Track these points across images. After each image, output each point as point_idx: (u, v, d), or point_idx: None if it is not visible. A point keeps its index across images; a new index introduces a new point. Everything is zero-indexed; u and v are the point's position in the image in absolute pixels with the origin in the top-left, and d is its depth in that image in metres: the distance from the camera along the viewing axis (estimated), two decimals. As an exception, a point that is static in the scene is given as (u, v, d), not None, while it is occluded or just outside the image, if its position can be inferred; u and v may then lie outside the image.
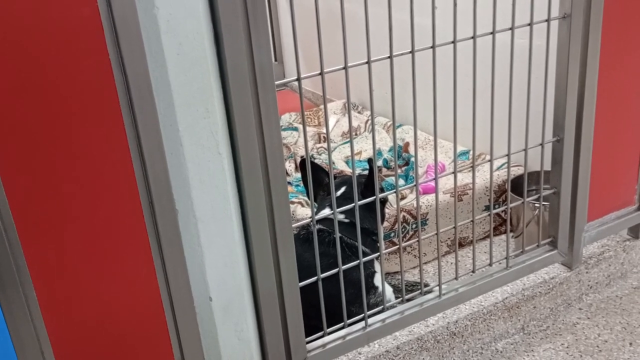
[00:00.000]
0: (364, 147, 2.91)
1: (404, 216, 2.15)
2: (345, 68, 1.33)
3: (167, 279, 1.24)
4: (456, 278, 1.71)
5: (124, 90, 1.09)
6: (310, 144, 2.96)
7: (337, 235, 1.48)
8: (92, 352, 1.22)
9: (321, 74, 1.31)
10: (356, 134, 3.05)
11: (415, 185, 1.59)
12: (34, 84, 1.02)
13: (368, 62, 1.36)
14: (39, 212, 1.10)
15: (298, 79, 1.28)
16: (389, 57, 1.39)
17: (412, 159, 2.60)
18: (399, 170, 2.60)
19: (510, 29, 1.53)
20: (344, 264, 1.49)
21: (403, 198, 2.34)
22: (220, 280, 1.30)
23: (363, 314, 1.57)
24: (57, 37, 1.02)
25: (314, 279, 1.46)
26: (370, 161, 1.93)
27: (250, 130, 1.22)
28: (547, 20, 1.58)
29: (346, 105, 3.32)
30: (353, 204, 1.47)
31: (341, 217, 1.81)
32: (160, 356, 1.29)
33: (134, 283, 1.22)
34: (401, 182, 2.52)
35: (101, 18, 1.04)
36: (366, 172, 2.00)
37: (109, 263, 1.19)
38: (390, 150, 2.75)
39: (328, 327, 1.53)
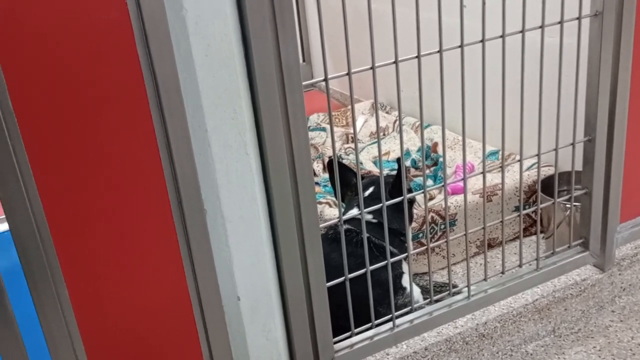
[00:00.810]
0: (392, 148, 2.89)
1: (432, 217, 2.14)
2: (372, 68, 1.33)
3: (196, 278, 1.25)
4: (485, 279, 1.69)
5: (154, 91, 1.10)
6: (337, 145, 2.96)
7: (365, 235, 1.48)
8: (123, 350, 1.24)
9: (349, 74, 1.31)
10: (384, 135, 3.04)
11: (443, 185, 1.57)
12: (65, 86, 1.04)
13: (396, 62, 1.35)
14: (71, 213, 1.12)
15: (325, 79, 1.28)
16: (416, 56, 1.38)
17: (441, 159, 2.58)
18: (427, 171, 2.58)
19: (541, 27, 1.51)
20: (371, 264, 1.49)
21: (431, 198, 2.33)
22: (248, 280, 1.30)
23: (391, 315, 1.56)
24: (87, 40, 1.04)
25: (341, 279, 1.46)
26: (398, 161, 1.92)
27: (278, 130, 1.23)
28: (578, 18, 1.56)
29: (374, 105, 3.32)
30: (381, 204, 1.47)
31: (369, 217, 1.80)
32: (189, 355, 1.31)
33: (163, 282, 1.24)
34: (429, 182, 2.50)
35: (131, 20, 1.05)
36: (394, 173, 1.99)
37: (139, 262, 1.21)
38: (418, 151, 2.73)
39: (355, 328, 1.53)
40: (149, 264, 1.21)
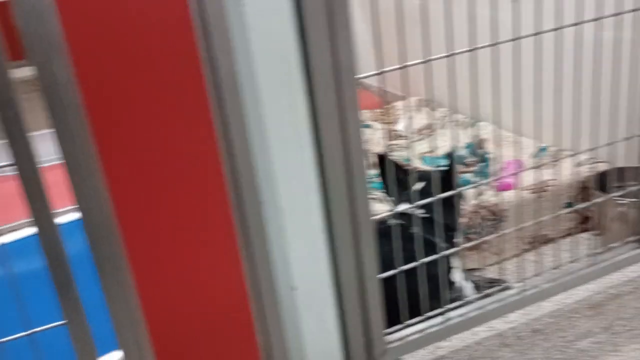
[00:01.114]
0: (438, 145, 2.88)
1: (482, 213, 2.13)
2: (424, 62, 1.34)
3: (252, 268, 1.28)
4: (538, 275, 1.67)
5: (213, 85, 1.13)
6: (384, 142, 2.96)
7: (415, 229, 1.49)
8: (182, 334, 1.28)
9: (398, 68, 1.32)
10: (431, 132, 3.03)
11: (492, 182, 1.57)
12: (132, 80, 1.09)
13: (448, 56, 1.36)
14: (136, 203, 1.16)
15: (377, 74, 1.29)
16: (470, 50, 1.38)
17: (487, 156, 2.56)
18: (475, 167, 2.57)
19: (597, 19, 1.49)
20: (421, 259, 1.50)
21: (481, 195, 2.31)
22: (303, 270, 1.33)
23: (442, 309, 1.56)
24: (151, 36, 1.08)
25: (393, 271, 1.47)
26: (448, 156, 1.92)
27: (333, 123, 1.25)
28: (635, 10, 1.53)
29: (419, 102, 3.31)
30: (431, 199, 1.47)
31: (419, 212, 1.81)
32: (245, 342, 1.34)
33: (220, 271, 1.27)
34: (478, 179, 2.49)
35: (192, 15, 1.09)
36: (443, 169, 1.98)
37: (198, 251, 1.24)
38: (466, 147, 2.72)
39: (402, 322, 1.54)
40: (207, 252, 1.25)
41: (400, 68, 1.30)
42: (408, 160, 2.70)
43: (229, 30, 1.12)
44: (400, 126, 3.27)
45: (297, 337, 1.38)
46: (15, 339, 1.16)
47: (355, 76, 1.25)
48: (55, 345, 1.29)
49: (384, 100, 3.76)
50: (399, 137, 3.09)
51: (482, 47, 1.39)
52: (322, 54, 1.20)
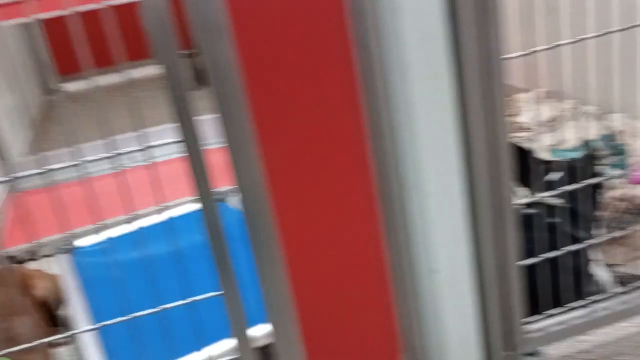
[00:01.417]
0: (567, 137, 2.78)
1: (622, 206, 2.03)
2: (552, 47, 1.29)
3: (394, 249, 1.30)
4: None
5: (363, 67, 1.17)
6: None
7: (553, 219, 1.45)
8: (325, 309, 1.32)
9: (547, 49, 1.29)
10: (557, 124, 2.92)
11: (629, 174, 1.50)
12: (286, 64, 1.14)
13: (576, 42, 1.31)
14: (288, 185, 1.22)
15: (526, 54, 1.27)
16: (599, 35, 1.32)
17: (625, 148, 2.43)
18: (611, 160, 2.45)
19: None
20: (559, 250, 1.46)
21: (619, 188, 2.20)
22: (444, 254, 1.33)
23: (585, 301, 1.51)
24: (305, 19, 1.12)
25: (534, 259, 1.44)
26: (585, 146, 1.85)
27: (480, 106, 1.24)
28: None
29: (543, 93, 3.19)
30: (570, 187, 1.43)
31: (557, 201, 1.75)
32: (384, 324, 1.36)
33: (363, 251, 1.30)
34: (614, 172, 2.37)
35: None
36: (580, 159, 1.91)
37: (343, 231, 1.28)
38: (601, 139, 2.60)
39: (541, 312, 1.50)
40: (351, 232, 1.28)
41: (549, 48, 1.27)
42: (535, 152, 2.62)
43: (379, 12, 1.14)
44: (524, 118, 3.18)
45: (436, 320, 1.39)
46: (177, 305, 1.25)
47: (502, 55, 1.24)
48: (211, 314, 1.38)
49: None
50: (523, 129, 3.01)
51: (615, 31, 1.33)
52: (471, 36, 1.19)
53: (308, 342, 1.33)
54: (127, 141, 1.22)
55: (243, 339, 1.27)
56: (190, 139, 1.12)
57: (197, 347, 1.53)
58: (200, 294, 1.24)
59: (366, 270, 1.31)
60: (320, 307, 1.32)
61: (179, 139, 1.12)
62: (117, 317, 1.24)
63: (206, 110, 1.14)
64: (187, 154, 1.13)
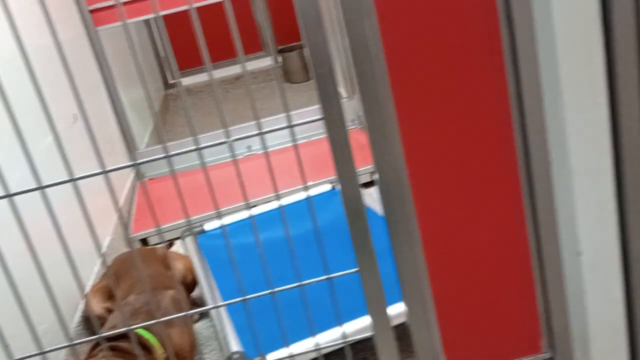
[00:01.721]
0: None
1: None
2: None
3: (537, 229, 1.26)
4: None
5: (509, 39, 1.14)
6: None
7: None
8: (463, 295, 1.31)
9: None
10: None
11: None
12: (427, 43, 1.13)
13: None
14: (428, 166, 1.21)
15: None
16: None
17: None
18: None
19: None
20: None
21: None
22: (591, 236, 1.27)
23: None
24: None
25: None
26: None
27: (632, 81, 1.18)
28: None
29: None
30: None
31: None
32: (524, 307, 1.33)
33: (503, 232, 1.27)
34: None
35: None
36: None
37: (482, 209, 1.26)
38: None
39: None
40: (491, 212, 1.26)
41: None
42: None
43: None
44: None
45: (579, 304, 1.33)
46: (318, 281, 1.27)
47: (655, 28, 1.16)
48: (348, 291, 1.40)
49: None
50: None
51: None
52: (625, 6, 1.13)
53: (443, 322, 1.32)
54: (247, 129, 1.26)
55: (381, 317, 1.28)
56: (334, 117, 1.13)
57: (333, 324, 1.56)
58: (331, 273, 1.26)
59: (506, 251, 1.28)
60: (457, 287, 1.30)
61: (322, 118, 1.14)
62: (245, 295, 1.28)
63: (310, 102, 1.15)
64: (330, 133, 1.14)
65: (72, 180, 1.08)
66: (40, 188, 1.07)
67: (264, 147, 1.18)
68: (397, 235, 1.24)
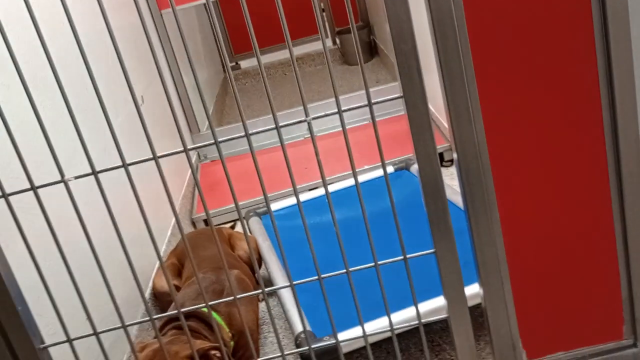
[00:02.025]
0: None
1: None
2: None
3: (623, 212, 1.22)
4: None
5: (599, 12, 1.09)
6: None
7: None
8: (542, 274, 1.27)
9: None
10: None
11: None
12: (512, 22, 1.10)
13: None
14: (508, 143, 1.18)
15: None
16: None
17: None
18: None
19: None
20: None
21: None
22: (681, 219, 1.22)
23: None
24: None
25: None
26: None
27: None
28: None
29: None
30: None
31: None
32: (606, 292, 1.28)
33: (586, 214, 1.23)
34: None
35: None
36: None
37: (564, 192, 1.22)
38: None
39: None
40: (575, 192, 1.22)
41: None
42: None
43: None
44: None
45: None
46: (393, 262, 1.26)
47: None
48: (423, 272, 1.38)
49: None
50: None
51: None
52: None
53: (520, 306, 1.29)
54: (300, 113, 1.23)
55: (457, 299, 1.26)
56: (415, 95, 1.11)
57: (398, 306, 1.55)
58: (397, 255, 1.24)
59: (590, 235, 1.24)
60: (536, 270, 1.27)
61: (401, 96, 1.12)
62: (307, 276, 1.28)
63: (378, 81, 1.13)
64: (410, 112, 1.12)
65: (124, 166, 1.10)
66: (96, 173, 1.09)
67: (342, 125, 1.16)
68: (475, 214, 1.21)
